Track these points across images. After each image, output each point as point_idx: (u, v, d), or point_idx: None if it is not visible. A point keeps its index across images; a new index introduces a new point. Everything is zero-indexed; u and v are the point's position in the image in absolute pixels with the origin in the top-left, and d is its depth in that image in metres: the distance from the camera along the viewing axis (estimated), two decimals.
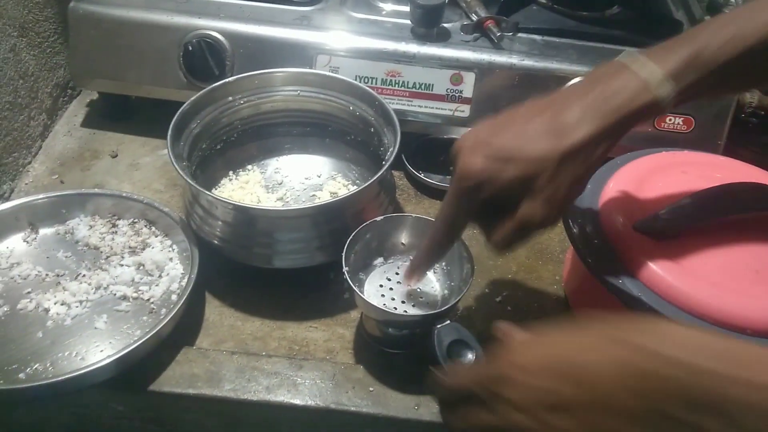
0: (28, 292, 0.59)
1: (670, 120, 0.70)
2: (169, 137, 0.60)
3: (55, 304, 0.58)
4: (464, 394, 0.36)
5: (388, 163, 0.61)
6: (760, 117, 0.73)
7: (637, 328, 0.31)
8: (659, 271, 0.51)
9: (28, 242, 0.64)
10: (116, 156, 0.78)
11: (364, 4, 0.78)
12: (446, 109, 0.73)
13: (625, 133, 0.43)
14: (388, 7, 0.78)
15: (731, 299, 0.49)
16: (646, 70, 0.42)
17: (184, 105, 0.63)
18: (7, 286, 0.60)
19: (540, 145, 0.41)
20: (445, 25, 0.74)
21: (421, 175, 0.75)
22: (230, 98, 0.68)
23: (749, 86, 0.45)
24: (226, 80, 0.67)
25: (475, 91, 0.72)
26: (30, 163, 0.76)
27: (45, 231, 0.65)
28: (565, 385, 0.31)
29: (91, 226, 0.65)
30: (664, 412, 0.28)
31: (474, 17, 0.74)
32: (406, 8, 0.73)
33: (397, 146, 0.62)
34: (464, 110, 0.73)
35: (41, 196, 0.65)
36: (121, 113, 0.82)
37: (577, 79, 0.44)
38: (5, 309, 0.58)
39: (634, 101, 0.41)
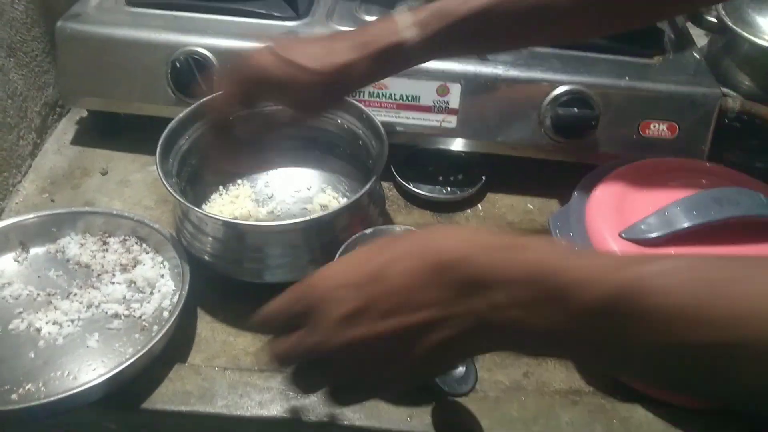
0: (20, 312, 0.59)
1: (654, 126, 0.71)
2: (157, 155, 0.60)
3: (46, 323, 0.58)
4: (285, 322, 0.38)
5: (376, 175, 0.61)
6: (742, 122, 0.74)
7: (425, 234, 0.38)
8: None
9: (18, 262, 0.64)
10: (106, 173, 0.78)
11: (349, 18, 0.79)
12: (433, 120, 0.73)
13: (379, 65, 0.52)
14: (374, 20, 0.78)
15: None
16: (399, 19, 0.51)
17: (172, 122, 0.64)
18: None
19: (314, 61, 0.52)
20: None
21: (411, 186, 0.76)
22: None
23: (499, 46, 0.57)
24: (213, 96, 0.67)
25: (462, 101, 0.72)
26: (20, 182, 0.76)
27: (36, 250, 0.65)
28: (375, 290, 0.35)
29: (81, 245, 0.65)
30: (453, 296, 0.34)
31: None
32: None
33: (384, 158, 0.63)
34: (451, 121, 0.73)
35: (31, 215, 0.65)
36: (110, 130, 0.82)
37: None
38: None
39: (383, 41, 0.51)
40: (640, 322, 0.29)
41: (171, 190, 0.58)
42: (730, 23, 0.76)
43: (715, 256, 0.32)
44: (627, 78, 0.71)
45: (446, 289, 0.34)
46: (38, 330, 0.58)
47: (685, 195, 0.56)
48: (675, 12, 0.60)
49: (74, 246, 0.65)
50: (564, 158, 0.74)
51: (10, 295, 0.61)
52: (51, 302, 0.60)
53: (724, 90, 0.72)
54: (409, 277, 0.34)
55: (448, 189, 0.77)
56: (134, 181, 0.77)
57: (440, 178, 0.78)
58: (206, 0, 0.77)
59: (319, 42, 0.54)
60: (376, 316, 0.35)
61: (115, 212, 0.66)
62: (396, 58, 0.52)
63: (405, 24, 0.51)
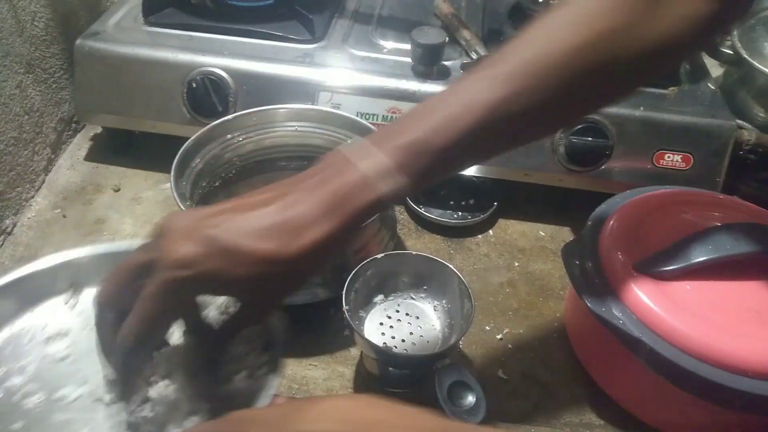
0: (69, 375, 0.46)
1: (668, 157, 0.71)
2: (172, 177, 0.60)
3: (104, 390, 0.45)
4: None
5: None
6: (758, 154, 0.73)
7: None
8: (659, 311, 0.51)
9: (70, 307, 0.51)
10: (119, 190, 0.78)
11: (365, 42, 0.79)
12: None
13: (357, 228, 0.40)
14: (389, 45, 0.79)
15: (732, 341, 0.49)
16: (368, 165, 0.39)
17: (186, 144, 0.64)
18: (41, 367, 0.46)
19: (270, 242, 0.37)
20: (446, 63, 0.75)
21: (422, 210, 0.76)
22: (229, 136, 0.68)
23: (489, 157, 0.44)
24: (226, 118, 0.68)
25: None
26: (33, 197, 0.76)
27: (91, 291, 0.50)
28: None
29: None
30: None
31: (474, 55, 0.75)
32: (407, 46, 0.74)
33: None
34: None
35: (84, 253, 0.52)
36: (124, 147, 0.83)
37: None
38: (40, 397, 0.45)
39: (360, 199, 0.38)
40: None
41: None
42: (746, 56, 0.76)
43: None
44: (642, 108, 0.71)
45: None
46: (97, 399, 0.45)
47: (700, 228, 0.56)
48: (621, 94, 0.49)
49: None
50: (577, 186, 0.74)
51: (56, 353, 0.48)
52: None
53: (740, 122, 0.72)
54: None
55: (459, 214, 0.77)
56: (146, 199, 0.77)
57: (451, 202, 0.78)
58: (223, 22, 0.78)
59: (263, 207, 0.38)
60: None
61: None
62: (373, 213, 0.40)
63: (377, 173, 0.39)
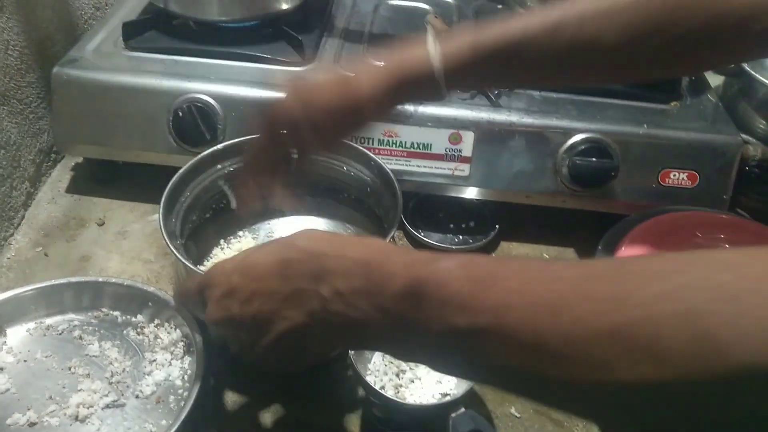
0: (18, 402, 0.53)
1: (674, 176, 0.69)
2: (160, 215, 0.57)
3: (49, 415, 0.52)
4: (192, 299, 0.45)
5: (393, 230, 0.59)
6: (763, 168, 0.72)
7: (296, 233, 0.41)
8: None
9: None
10: (103, 224, 0.74)
11: (357, 62, 0.76)
12: (446, 168, 0.71)
13: (405, 97, 0.53)
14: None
15: None
16: (431, 46, 0.49)
17: (174, 178, 0.60)
18: None
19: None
20: None
21: (421, 234, 0.73)
22: (219, 166, 0.65)
23: (532, 82, 0.58)
24: (215, 148, 0.64)
25: (475, 150, 0.70)
26: (12, 235, 0.72)
27: (14, 330, 0.58)
28: (241, 278, 0.40)
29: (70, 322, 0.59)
30: (298, 288, 0.37)
31: None
32: None
33: (399, 211, 0.60)
34: (464, 169, 0.71)
35: (4, 297, 0.57)
36: (107, 177, 0.79)
37: None
38: None
39: (414, 65, 0.49)
40: (423, 311, 0.32)
41: (179, 256, 0.55)
42: (747, 68, 0.74)
43: (493, 258, 0.40)
44: (645, 125, 0.69)
45: (292, 281, 0.37)
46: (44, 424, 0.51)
47: None
48: (720, 63, 0.59)
49: (64, 324, 0.59)
50: (581, 207, 0.71)
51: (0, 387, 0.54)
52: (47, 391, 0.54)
53: (744, 137, 0.71)
54: (264, 271, 0.39)
55: (460, 237, 0.74)
56: (132, 232, 0.74)
57: (451, 225, 0.75)
58: (208, 44, 0.75)
59: (338, 77, 0.52)
60: (238, 301, 0.40)
61: (101, 280, 0.60)
62: (417, 89, 0.51)
63: (435, 53, 0.48)
